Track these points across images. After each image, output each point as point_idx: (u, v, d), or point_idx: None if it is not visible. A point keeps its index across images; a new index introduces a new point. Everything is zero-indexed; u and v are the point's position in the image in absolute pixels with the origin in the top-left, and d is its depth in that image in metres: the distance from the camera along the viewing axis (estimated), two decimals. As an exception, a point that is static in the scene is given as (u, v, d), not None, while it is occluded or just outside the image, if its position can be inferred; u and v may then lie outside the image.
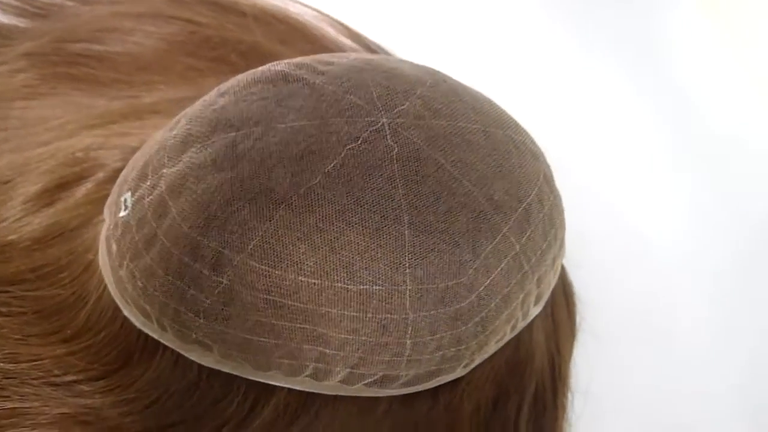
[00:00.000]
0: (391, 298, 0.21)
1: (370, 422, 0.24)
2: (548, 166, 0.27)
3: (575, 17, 0.46)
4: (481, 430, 0.26)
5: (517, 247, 0.23)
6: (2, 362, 0.24)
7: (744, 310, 0.35)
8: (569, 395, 0.28)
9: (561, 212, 0.27)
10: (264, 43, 0.35)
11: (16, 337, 0.25)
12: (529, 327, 0.27)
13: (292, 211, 0.20)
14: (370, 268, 0.21)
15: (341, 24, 0.40)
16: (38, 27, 0.35)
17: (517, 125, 0.26)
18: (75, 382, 0.24)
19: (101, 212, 0.27)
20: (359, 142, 0.22)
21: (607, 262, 0.33)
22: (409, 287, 0.21)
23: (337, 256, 0.20)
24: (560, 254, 0.27)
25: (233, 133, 0.22)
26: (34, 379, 0.24)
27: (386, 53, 0.39)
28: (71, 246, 0.27)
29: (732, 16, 0.47)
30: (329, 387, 0.23)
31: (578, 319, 0.31)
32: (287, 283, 0.20)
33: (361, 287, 0.21)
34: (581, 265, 0.31)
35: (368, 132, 0.22)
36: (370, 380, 0.23)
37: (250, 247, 0.20)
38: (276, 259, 0.20)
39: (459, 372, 0.24)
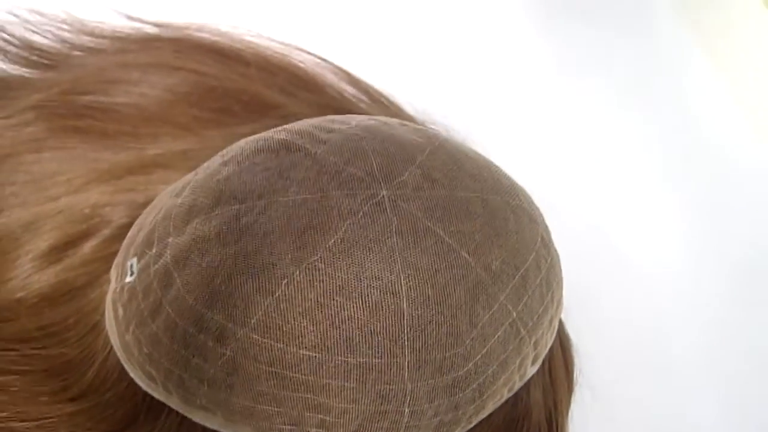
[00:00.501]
0: (390, 369, 0.22)
1: None
2: (546, 227, 0.28)
3: (568, 40, 0.47)
4: None
5: (514, 314, 0.24)
6: (11, 421, 0.25)
7: (740, 351, 0.36)
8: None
9: (558, 272, 0.28)
10: (266, 93, 0.36)
11: (25, 395, 0.26)
12: (527, 385, 0.28)
13: (294, 286, 0.21)
14: (369, 342, 0.21)
15: (342, 70, 0.40)
16: (45, 78, 0.36)
17: (514, 189, 0.27)
18: None
19: (107, 270, 0.28)
20: (359, 216, 0.22)
21: (603, 310, 0.34)
22: (407, 359, 0.22)
23: (338, 330, 0.21)
24: (557, 313, 0.28)
25: (237, 206, 0.23)
26: (42, 438, 0.25)
27: (386, 98, 0.40)
28: (78, 305, 0.27)
29: (722, 36, 0.48)
30: (330, 449, 0.24)
31: (576, 371, 0.31)
32: (289, 356, 0.21)
33: (361, 360, 0.21)
34: (578, 316, 0.31)
35: (368, 205, 0.23)
36: (368, 444, 0.23)
37: (253, 321, 0.21)
38: (278, 333, 0.21)
39: (459, 428, 0.25)
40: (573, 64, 0.46)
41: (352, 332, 0.21)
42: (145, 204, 0.30)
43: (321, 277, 0.21)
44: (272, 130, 0.26)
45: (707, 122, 0.44)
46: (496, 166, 0.28)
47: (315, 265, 0.21)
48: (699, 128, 0.44)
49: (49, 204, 0.30)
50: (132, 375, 0.25)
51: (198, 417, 0.24)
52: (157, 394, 0.24)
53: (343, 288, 0.21)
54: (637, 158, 0.42)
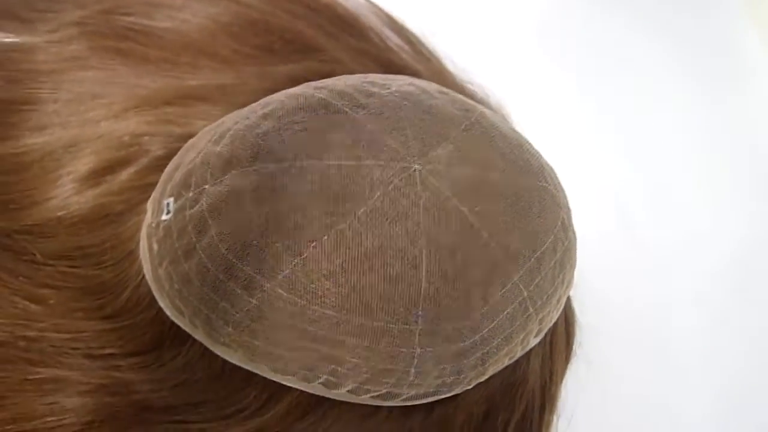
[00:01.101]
0: (402, 335, 0.23)
1: (369, 426, 0.27)
2: (568, 210, 0.28)
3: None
4: None
5: (525, 293, 0.25)
6: (48, 332, 0.27)
7: (739, 337, 0.37)
8: (555, 417, 0.31)
9: (573, 254, 0.28)
10: (308, 33, 0.36)
11: (62, 309, 0.28)
12: (527, 354, 0.29)
13: (322, 250, 0.22)
14: (386, 309, 0.23)
15: (386, 14, 0.40)
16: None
17: (542, 170, 0.27)
18: (111, 356, 0.27)
19: (144, 200, 0.29)
20: (390, 188, 0.23)
21: (609, 288, 0.35)
22: (420, 327, 0.23)
23: (358, 295, 0.22)
24: (566, 293, 0.29)
25: (273, 165, 0.23)
26: (74, 349, 0.27)
27: (428, 50, 0.39)
28: (115, 231, 0.29)
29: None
30: (337, 395, 0.26)
31: (576, 344, 0.33)
32: (310, 312, 0.23)
33: (377, 324, 0.23)
34: (583, 291, 0.33)
35: (400, 178, 0.23)
36: (374, 394, 0.25)
37: (280, 277, 0.22)
38: (302, 291, 0.22)
39: (455, 393, 0.27)
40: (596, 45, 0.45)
41: (372, 298, 0.22)
42: (182, 137, 0.31)
43: (347, 244, 0.22)
44: (312, 86, 0.26)
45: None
46: (528, 144, 0.28)
47: (343, 232, 0.22)
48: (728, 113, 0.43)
49: (89, 127, 0.31)
50: (161, 305, 0.26)
51: (219, 351, 0.26)
52: (184, 326, 0.26)
53: (367, 257, 0.22)
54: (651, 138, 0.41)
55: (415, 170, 0.24)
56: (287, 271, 0.22)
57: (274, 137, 0.24)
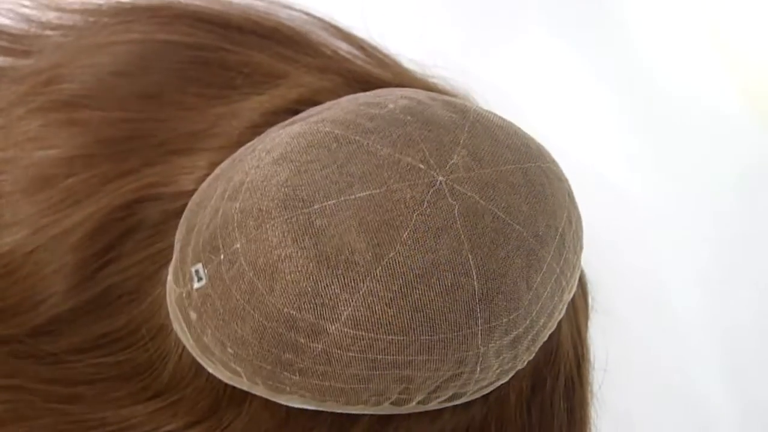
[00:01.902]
0: (466, 339, 0.24)
1: (437, 426, 0.28)
2: (567, 181, 0.30)
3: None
4: (524, 414, 0.31)
5: (558, 270, 0.27)
6: (97, 429, 0.26)
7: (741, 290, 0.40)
8: (590, 369, 0.33)
9: (581, 220, 0.30)
10: (267, 62, 0.35)
11: (103, 402, 0.27)
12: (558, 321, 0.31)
13: (378, 281, 0.23)
14: (448, 320, 0.24)
15: (331, 25, 0.40)
16: (23, 66, 0.34)
17: (540, 151, 0.29)
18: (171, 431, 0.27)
19: (156, 270, 0.29)
20: (425, 206, 0.24)
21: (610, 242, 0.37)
22: (480, 328, 0.24)
23: (420, 314, 0.23)
24: (581, 257, 0.31)
25: (307, 209, 0.23)
26: (130, 437, 0.26)
27: (381, 52, 0.40)
28: (138, 310, 0.28)
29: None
30: (407, 409, 0.27)
31: (590, 299, 0.35)
32: (378, 342, 0.23)
33: (441, 336, 0.24)
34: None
35: (430, 194, 0.24)
36: (442, 399, 0.27)
37: (343, 317, 0.23)
38: (367, 324, 0.23)
39: (510, 376, 0.28)
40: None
41: (433, 314, 0.23)
42: (175, 195, 0.30)
43: (401, 269, 0.23)
44: (311, 120, 0.26)
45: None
46: (520, 129, 0.30)
47: (394, 260, 0.23)
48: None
49: (68, 212, 0.30)
50: (212, 371, 0.26)
51: (284, 400, 0.26)
52: (241, 386, 0.26)
53: (421, 276, 0.23)
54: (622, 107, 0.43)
55: (441, 182, 0.24)
56: (349, 310, 0.23)
57: (296, 182, 0.24)
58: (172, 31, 0.35)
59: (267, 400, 0.26)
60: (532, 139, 0.29)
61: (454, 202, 0.24)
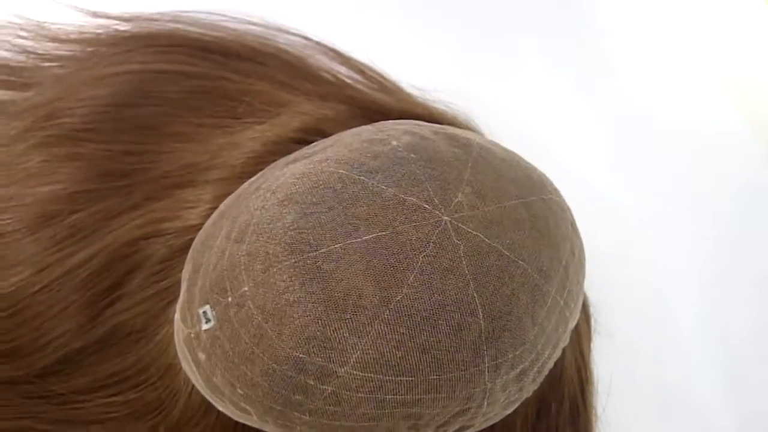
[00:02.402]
0: (474, 377, 0.25)
1: None
2: (569, 209, 0.31)
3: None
4: None
5: (562, 302, 0.27)
6: None
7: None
8: (594, 392, 0.34)
9: (582, 246, 0.31)
10: (267, 90, 0.36)
11: (114, 441, 0.27)
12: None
13: (386, 324, 0.23)
14: (456, 360, 0.24)
15: (329, 49, 0.40)
16: (23, 100, 0.34)
17: (542, 182, 0.29)
18: None
19: (163, 308, 0.29)
20: (430, 247, 0.24)
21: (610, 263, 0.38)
22: (487, 365, 0.25)
23: (428, 355, 0.24)
24: (583, 284, 0.31)
25: (314, 253, 0.24)
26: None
27: (380, 75, 0.40)
28: (147, 349, 0.28)
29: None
30: (414, 443, 0.27)
31: (593, 320, 0.36)
32: (388, 384, 0.24)
33: (450, 375, 0.24)
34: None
35: (435, 234, 0.24)
36: (451, 430, 0.27)
37: (352, 360, 0.23)
38: (376, 366, 0.23)
39: (519, 403, 0.29)
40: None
41: (441, 354, 0.24)
42: (181, 230, 0.31)
43: (409, 312, 0.23)
44: (315, 160, 0.27)
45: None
46: (522, 160, 0.30)
47: (401, 302, 0.23)
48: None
49: (73, 250, 0.30)
50: (222, 410, 0.26)
51: (294, 435, 0.26)
52: (252, 423, 0.26)
53: (429, 318, 0.23)
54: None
55: (446, 222, 0.25)
56: (358, 353, 0.23)
57: (303, 225, 0.24)
58: (171, 60, 0.35)
59: (277, 436, 0.27)
60: (534, 169, 0.30)
61: (459, 242, 0.25)
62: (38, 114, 0.33)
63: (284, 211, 0.25)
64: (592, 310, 0.36)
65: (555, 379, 0.32)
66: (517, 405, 0.28)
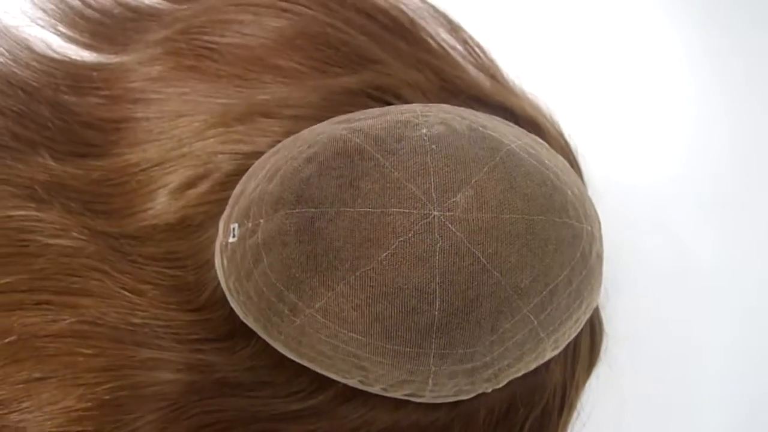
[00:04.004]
0: (418, 357, 0.28)
1: (401, 414, 0.33)
2: (592, 238, 0.31)
3: None
4: (490, 430, 0.34)
5: (535, 322, 0.29)
6: (148, 320, 0.35)
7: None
8: (574, 414, 0.35)
9: (593, 280, 0.31)
10: (365, 46, 0.39)
11: (159, 302, 0.35)
12: (547, 363, 0.33)
13: (350, 287, 0.27)
14: (403, 337, 0.28)
15: (442, 15, 0.42)
16: (171, 11, 0.41)
17: (564, 206, 0.30)
18: (197, 341, 0.35)
19: (218, 212, 0.36)
20: (410, 235, 0.27)
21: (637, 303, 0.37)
22: (433, 351, 0.28)
23: (381, 324, 0.27)
24: (586, 313, 0.32)
25: (312, 210, 0.28)
26: (168, 335, 0.35)
27: (482, 50, 0.41)
28: (196, 241, 0.36)
29: None
30: (373, 390, 0.31)
31: (602, 351, 0.36)
32: (341, 335, 0.28)
33: (396, 347, 0.28)
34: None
35: (420, 225, 0.27)
36: (401, 394, 0.31)
37: (317, 306, 0.28)
38: (335, 319, 0.28)
39: (474, 394, 0.32)
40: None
41: (391, 327, 0.27)
42: (249, 155, 0.37)
43: (371, 283, 0.27)
44: (353, 127, 0.30)
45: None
46: (557, 180, 0.30)
47: (367, 274, 0.27)
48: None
49: (174, 145, 0.37)
50: (233, 306, 0.33)
51: (278, 348, 0.32)
52: (249, 324, 0.33)
53: (387, 294, 0.27)
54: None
55: (434, 217, 0.28)
56: (323, 302, 0.28)
57: (314, 183, 0.29)
58: (294, 2, 0.40)
59: (267, 343, 0.33)
60: (565, 192, 0.30)
61: (439, 238, 0.27)
62: (179, 26, 0.40)
63: (307, 166, 0.30)
64: (608, 342, 0.36)
65: (533, 388, 0.34)
66: (473, 395, 0.31)
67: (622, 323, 0.36)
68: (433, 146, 0.29)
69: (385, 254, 0.27)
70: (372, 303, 0.27)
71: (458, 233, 0.27)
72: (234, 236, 0.32)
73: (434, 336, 0.28)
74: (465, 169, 0.29)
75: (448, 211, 0.28)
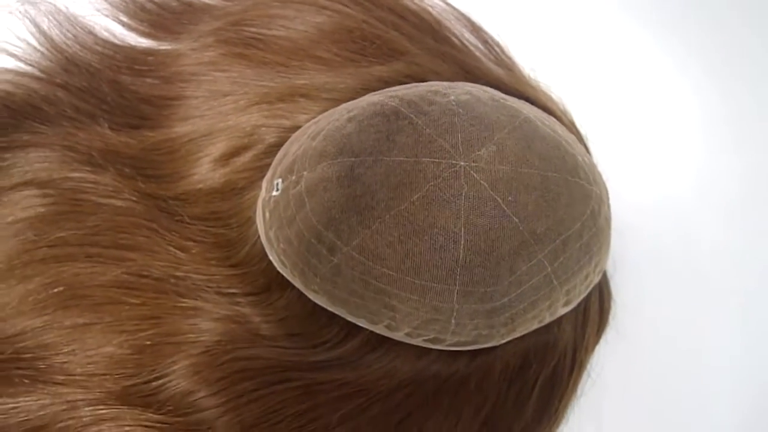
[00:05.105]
0: (443, 292, 0.31)
1: (423, 363, 0.36)
2: (600, 201, 0.35)
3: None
4: (504, 386, 0.37)
5: (549, 269, 0.32)
6: (191, 273, 0.38)
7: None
8: (583, 376, 0.38)
9: (602, 240, 0.35)
10: (397, 40, 0.44)
11: (201, 258, 0.39)
12: (559, 320, 0.37)
13: (385, 225, 0.31)
14: (431, 272, 0.31)
15: (465, 17, 0.47)
16: (222, 6, 0.47)
17: (576, 168, 0.34)
18: (234, 294, 0.38)
19: (260, 179, 0.40)
20: (440, 180, 0.31)
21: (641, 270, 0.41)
22: (457, 288, 0.31)
23: (411, 260, 0.31)
24: (595, 271, 0.35)
25: (353, 159, 0.32)
26: (209, 287, 0.38)
27: (501, 48, 0.46)
28: (239, 201, 0.40)
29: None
30: (397, 336, 0.35)
31: (610, 317, 0.39)
32: (374, 271, 0.32)
33: (424, 282, 0.31)
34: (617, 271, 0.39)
35: (448, 173, 0.31)
36: (425, 338, 0.34)
37: (354, 243, 0.32)
38: (369, 255, 0.31)
39: (492, 344, 0.35)
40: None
41: (421, 263, 0.31)
42: (290, 129, 0.41)
43: (404, 222, 0.31)
44: (389, 93, 0.35)
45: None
46: (569, 147, 0.35)
47: (401, 213, 0.31)
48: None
49: (221, 119, 0.42)
50: (271, 258, 0.37)
51: (311, 296, 0.35)
52: (286, 275, 0.36)
53: (418, 232, 0.31)
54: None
55: (460, 167, 0.32)
56: (359, 239, 0.31)
57: (355, 137, 0.33)
58: (333, 0, 0.45)
59: (301, 293, 0.36)
60: (575, 157, 0.34)
61: (465, 184, 0.31)
62: (230, 19, 0.46)
63: (348, 125, 0.34)
64: (615, 309, 0.39)
65: (546, 344, 0.37)
66: (491, 343, 0.34)
67: (630, 294, 0.39)
68: (460, 110, 0.33)
69: (416, 196, 0.31)
70: (404, 240, 0.31)
71: (482, 181, 0.31)
72: (277, 190, 0.35)
73: (458, 273, 0.31)
74: (488, 129, 0.33)
75: (473, 162, 0.32)
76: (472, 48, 0.46)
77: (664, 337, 0.39)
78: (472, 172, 0.32)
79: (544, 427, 0.37)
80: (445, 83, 0.36)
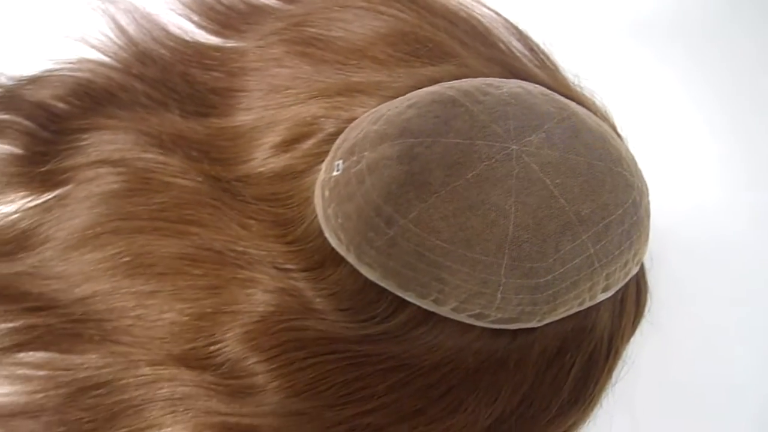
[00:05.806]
0: (492, 265, 0.34)
1: (466, 340, 0.38)
2: (641, 193, 0.37)
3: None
4: (542, 368, 0.39)
5: (592, 250, 0.35)
6: (250, 249, 0.42)
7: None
8: (619, 364, 0.40)
9: (642, 229, 0.37)
10: (448, 43, 0.48)
11: (260, 234, 0.42)
12: (597, 306, 0.39)
13: (440, 199, 0.34)
14: (482, 245, 0.34)
15: (513, 26, 0.50)
16: (284, 9, 0.51)
17: (620, 159, 0.36)
18: (290, 269, 0.41)
19: (317, 163, 0.43)
20: (493, 161, 0.34)
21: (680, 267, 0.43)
22: (505, 262, 0.34)
23: (464, 233, 0.34)
24: (634, 259, 0.38)
25: (412, 140, 0.35)
26: (267, 262, 0.41)
27: (546, 56, 0.49)
28: (298, 184, 0.43)
29: None
30: (444, 311, 0.37)
31: (646, 309, 0.41)
32: (428, 243, 0.34)
33: (474, 255, 0.34)
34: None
35: (501, 155, 0.34)
36: (470, 313, 0.37)
37: (410, 216, 0.34)
38: (425, 227, 0.34)
39: (533, 324, 0.37)
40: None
41: (472, 236, 0.34)
42: (347, 120, 0.45)
43: (458, 197, 0.34)
44: (446, 85, 0.38)
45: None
46: (615, 140, 0.38)
47: (456, 189, 0.34)
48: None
49: (282, 110, 0.46)
50: (327, 235, 0.40)
51: (363, 270, 0.38)
52: (340, 251, 0.39)
53: (471, 207, 0.34)
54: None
55: (512, 150, 0.34)
56: (415, 212, 0.34)
57: (414, 121, 0.36)
58: (388, 5, 0.49)
59: (353, 269, 0.39)
60: (619, 149, 0.37)
61: (516, 166, 0.34)
62: (293, 20, 0.50)
63: (408, 110, 0.37)
64: (651, 303, 0.42)
65: (582, 329, 0.39)
66: (532, 322, 0.37)
67: (666, 290, 0.41)
68: (512, 100, 0.36)
69: (471, 174, 0.34)
70: (458, 214, 0.34)
71: (532, 164, 0.34)
72: (338, 170, 0.39)
73: (507, 247, 0.34)
74: (538, 118, 0.36)
75: (524, 146, 0.35)
76: (518, 54, 0.49)
77: (698, 334, 0.41)
78: (523, 155, 0.34)
79: (579, 408, 0.39)
80: (499, 78, 0.40)
